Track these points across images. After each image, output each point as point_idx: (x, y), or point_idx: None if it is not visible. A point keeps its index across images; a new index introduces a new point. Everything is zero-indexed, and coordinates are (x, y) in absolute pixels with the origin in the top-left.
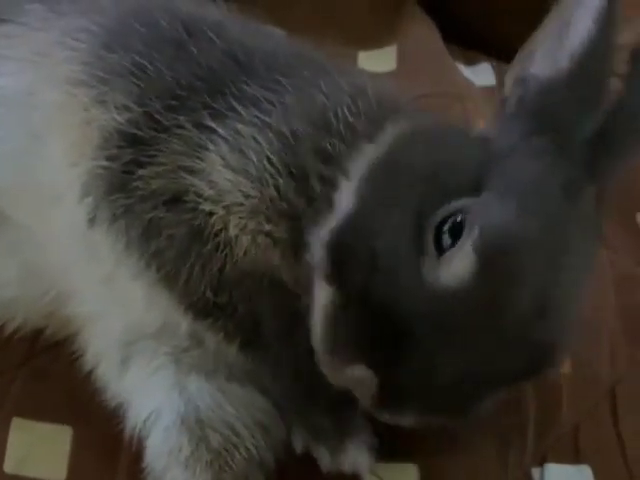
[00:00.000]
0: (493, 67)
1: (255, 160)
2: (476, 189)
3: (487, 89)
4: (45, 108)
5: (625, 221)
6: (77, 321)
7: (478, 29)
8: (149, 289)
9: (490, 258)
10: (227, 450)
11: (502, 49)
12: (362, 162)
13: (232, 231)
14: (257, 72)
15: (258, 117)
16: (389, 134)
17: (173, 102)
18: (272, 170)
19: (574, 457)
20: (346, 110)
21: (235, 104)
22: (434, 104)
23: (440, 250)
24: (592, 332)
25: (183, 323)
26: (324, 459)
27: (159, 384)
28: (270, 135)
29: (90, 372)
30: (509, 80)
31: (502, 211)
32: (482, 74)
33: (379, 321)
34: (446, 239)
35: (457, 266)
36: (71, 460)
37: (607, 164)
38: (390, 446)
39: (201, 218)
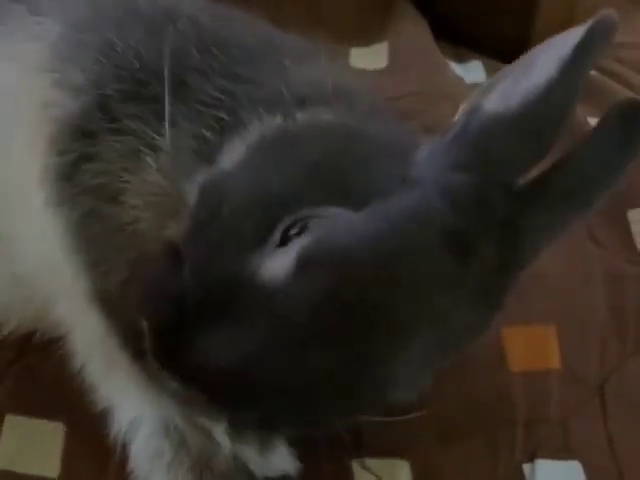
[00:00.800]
0: (484, 64)
1: (191, 169)
2: (358, 203)
3: (478, 86)
4: (12, 99)
5: (615, 218)
6: (63, 325)
7: (469, 26)
8: (76, 277)
9: (306, 270)
10: (207, 454)
11: (493, 46)
12: (260, 128)
13: (145, 224)
14: (213, 70)
15: (200, 131)
16: (307, 116)
17: (129, 87)
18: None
19: (564, 453)
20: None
21: (183, 108)
22: (425, 101)
23: (284, 242)
24: (582, 329)
25: (92, 319)
26: (253, 458)
27: (137, 391)
28: (206, 150)
29: (80, 371)
30: (462, 107)
31: (351, 233)
32: (473, 71)
33: (187, 280)
34: (293, 235)
35: (279, 263)
36: (64, 457)
37: (533, 225)
38: (382, 443)
39: (125, 210)
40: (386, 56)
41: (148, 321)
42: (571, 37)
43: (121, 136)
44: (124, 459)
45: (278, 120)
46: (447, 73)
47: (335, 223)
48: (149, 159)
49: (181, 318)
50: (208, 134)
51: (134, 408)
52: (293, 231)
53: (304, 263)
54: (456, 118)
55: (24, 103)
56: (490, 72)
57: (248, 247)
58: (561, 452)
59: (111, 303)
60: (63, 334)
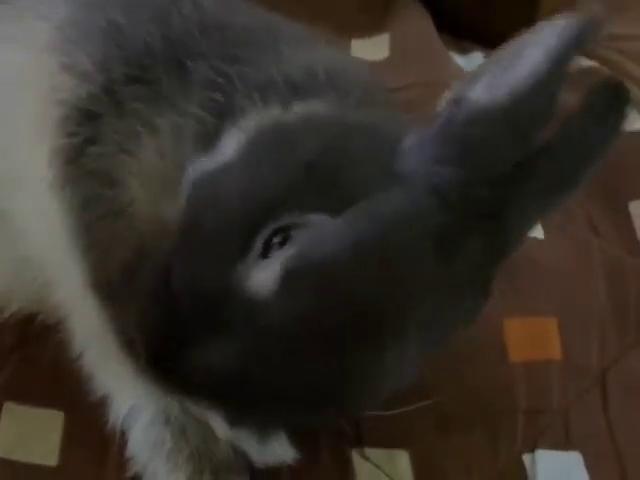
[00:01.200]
0: (485, 56)
1: (188, 151)
2: (343, 207)
3: None
4: (18, 79)
5: (617, 209)
6: (63, 308)
7: (471, 19)
8: (76, 260)
9: (293, 282)
10: (206, 443)
11: (494, 38)
12: (258, 119)
13: (138, 205)
14: (213, 52)
15: (196, 111)
16: (301, 109)
17: (133, 71)
18: (199, 151)
19: (564, 443)
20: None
21: (181, 91)
22: (426, 92)
23: (266, 252)
24: (582, 319)
25: (87, 302)
26: (252, 447)
27: (134, 379)
28: (202, 130)
29: (79, 358)
30: (446, 96)
31: (335, 241)
32: (474, 63)
33: (174, 292)
34: (276, 246)
35: (263, 276)
36: (62, 445)
37: (514, 215)
38: (382, 433)
39: (122, 192)
40: (387, 47)
41: (141, 334)
42: (558, 28)
43: (124, 118)
44: (123, 447)
45: (276, 110)
46: (449, 64)
47: (318, 232)
48: (148, 140)
49: (174, 331)
50: (206, 115)
51: (133, 396)
52: (276, 240)
53: (288, 276)
54: (440, 108)
55: (32, 84)
56: None
57: (232, 256)
58: (562, 442)
59: (109, 288)
60: (63, 319)
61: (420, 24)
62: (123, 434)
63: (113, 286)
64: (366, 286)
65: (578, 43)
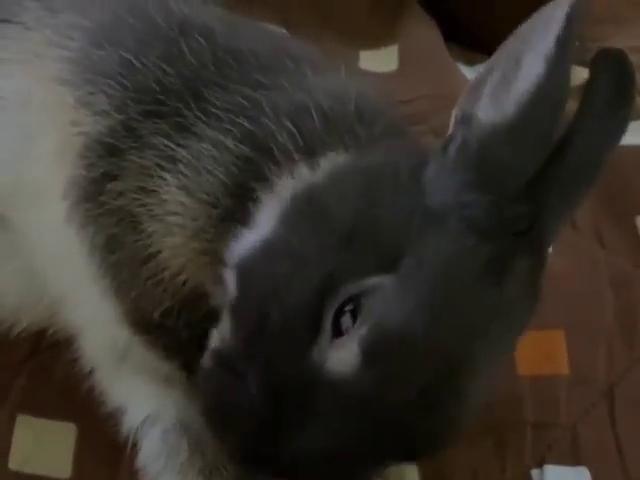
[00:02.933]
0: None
1: (210, 182)
2: (394, 261)
3: None
4: (35, 107)
5: (623, 223)
6: (72, 327)
7: (478, 29)
8: (101, 297)
9: (375, 358)
10: (220, 458)
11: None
12: (292, 185)
13: (165, 253)
14: (231, 80)
15: (219, 137)
16: (327, 164)
17: (150, 107)
18: (224, 192)
19: (572, 458)
20: (286, 136)
21: (203, 118)
22: (435, 105)
23: (338, 330)
24: (590, 333)
25: (123, 335)
26: None
27: (153, 391)
28: (226, 158)
29: (91, 372)
30: (454, 115)
31: (402, 306)
32: None
33: (256, 389)
34: (346, 320)
35: (342, 357)
36: (75, 457)
37: (550, 217)
38: None
39: (145, 239)
40: (396, 59)
41: (233, 446)
42: (550, 26)
43: (144, 153)
44: (136, 459)
45: (304, 172)
46: (457, 76)
47: (382, 299)
48: (167, 175)
49: (264, 433)
50: (229, 142)
51: (149, 406)
52: (344, 317)
53: (368, 354)
54: (450, 128)
55: (48, 114)
56: None
57: (304, 343)
58: (569, 457)
59: (143, 321)
60: (73, 335)
61: (428, 35)
62: (135, 446)
63: (151, 325)
64: (442, 338)
65: (573, 38)
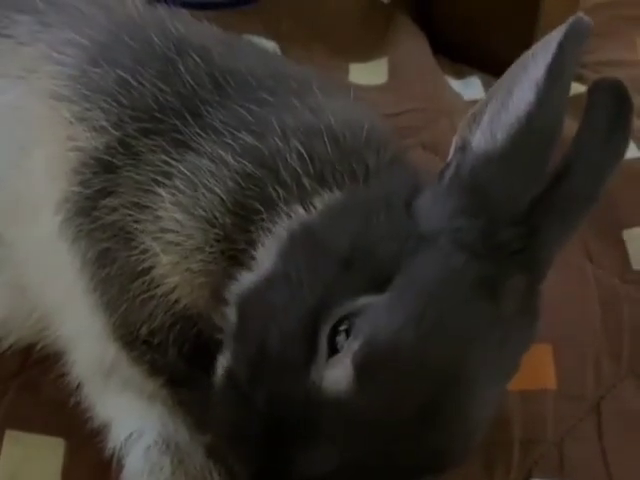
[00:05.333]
0: (481, 80)
1: (207, 198)
2: (385, 282)
3: (476, 102)
4: (30, 122)
5: (611, 237)
6: (61, 342)
7: (467, 42)
8: (90, 312)
9: (367, 373)
10: (203, 475)
11: (491, 62)
12: (288, 225)
13: (159, 270)
14: (230, 98)
15: (218, 152)
16: (322, 202)
17: (148, 125)
18: (221, 209)
19: (559, 473)
20: (295, 157)
21: (201, 133)
22: (424, 118)
23: (333, 349)
24: (577, 348)
25: (110, 351)
26: None
27: (137, 408)
28: (225, 172)
29: (79, 388)
30: (454, 143)
31: (391, 322)
32: (471, 88)
33: (261, 412)
34: (341, 339)
35: (337, 374)
36: (64, 472)
37: (547, 240)
38: None
39: (138, 255)
40: (386, 72)
41: (241, 462)
42: (541, 55)
43: (140, 169)
44: (121, 474)
45: (300, 212)
46: (446, 90)
47: (372, 316)
48: (162, 191)
49: (271, 454)
50: (228, 156)
51: (133, 423)
52: (338, 335)
53: (361, 369)
54: (450, 155)
55: (43, 128)
56: (488, 88)
57: (302, 365)
58: (556, 472)
59: (130, 336)
60: (62, 351)
61: (418, 48)
62: (119, 463)
63: (138, 341)
64: (434, 352)
65: (566, 65)
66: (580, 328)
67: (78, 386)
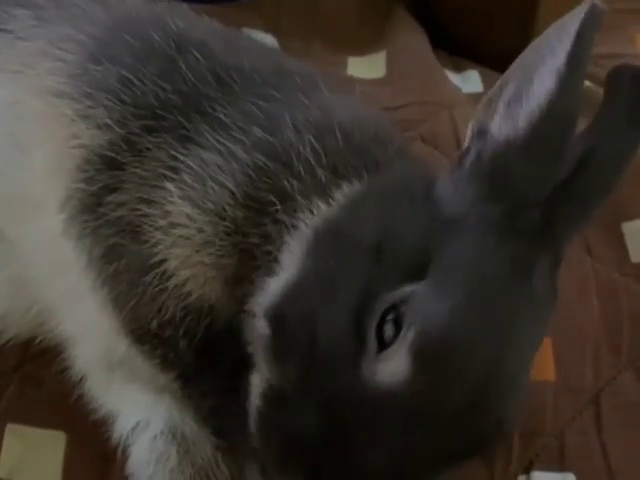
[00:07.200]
0: (480, 74)
1: (216, 192)
2: (421, 269)
3: (474, 96)
4: (30, 119)
5: (610, 230)
6: (61, 336)
7: (466, 36)
8: (98, 308)
9: (426, 362)
10: (210, 466)
11: (490, 56)
12: (311, 222)
13: (172, 263)
14: (235, 94)
15: (226, 145)
16: (343, 195)
17: (151, 122)
18: (232, 202)
19: (559, 465)
20: (309, 151)
21: (207, 128)
22: (423, 111)
23: (381, 342)
24: (576, 340)
25: (120, 346)
26: None
27: (144, 399)
28: (234, 166)
29: (81, 381)
30: (470, 128)
31: (442, 307)
32: (470, 81)
33: (316, 416)
34: (388, 330)
35: (393, 366)
36: (65, 465)
37: (567, 225)
38: None
39: (149, 249)
40: (384, 65)
41: (299, 472)
42: (558, 42)
43: (145, 165)
44: (125, 466)
45: (322, 208)
46: (445, 83)
47: (422, 306)
48: (170, 185)
49: (328, 455)
50: (238, 150)
51: (140, 413)
52: (386, 327)
53: (419, 358)
54: (466, 142)
55: (43, 126)
56: (487, 82)
57: (350, 361)
58: (556, 464)
59: (140, 330)
60: (62, 344)
61: (416, 41)
62: (125, 452)
63: (149, 335)
64: (482, 334)
65: (585, 53)
66: (579, 321)
67: (80, 380)
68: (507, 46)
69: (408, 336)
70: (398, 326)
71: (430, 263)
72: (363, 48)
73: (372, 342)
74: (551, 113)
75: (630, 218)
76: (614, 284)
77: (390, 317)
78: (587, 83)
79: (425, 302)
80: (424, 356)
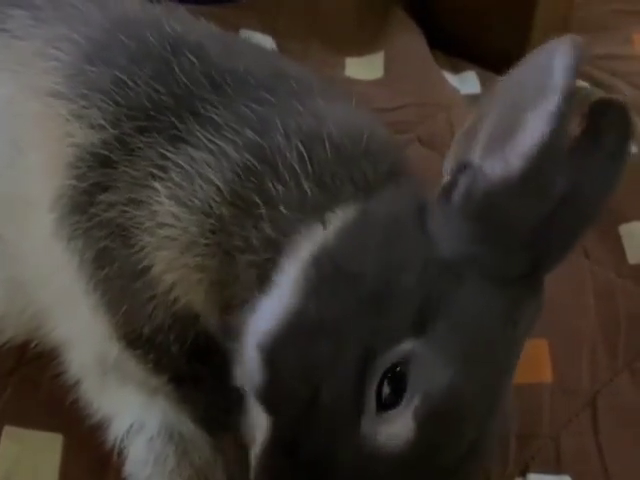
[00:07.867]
0: (478, 75)
1: (203, 189)
2: (421, 321)
3: (472, 97)
4: (25, 118)
5: (607, 233)
6: (56, 340)
7: (464, 37)
8: (91, 312)
9: (431, 424)
10: (208, 467)
11: (487, 57)
12: (307, 246)
13: (157, 268)
14: (229, 96)
15: (217, 144)
16: (338, 218)
17: (144, 123)
18: (218, 199)
19: (555, 467)
20: (295, 156)
21: (199, 128)
22: (421, 113)
23: (380, 401)
24: (573, 342)
25: (113, 350)
26: None
27: (137, 401)
28: (224, 164)
29: (76, 384)
30: (448, 162)
31: (445, 372)
32: (467, 82)
33: (312, 473)
34: (387, 389)
35: (397, 429)
36: (62, 468)
37: (551, 264)
38: None
39: (137, 253)
40: (382, 66)
41: None
42: (552, 77)
43: (137, 165)
44: (122, 468)
45: (317, 230)
46: (443, 84)
47: (425, 368)
48: (158, 185)
49: None
50: (229, 149)
51: (134, 415)
52: (386, 389)
53: (424, 424)
54: (447, 174)
55: (38, 125)
56: (484, 83)
57: (349, 417)
58: (552, 466)
59: (133, 335)
60: (58, 346)
61: (414, 42)
62: (121, 455)
63: (141, 340)
64: (483, 387)
65: (574, 87)
66: (576, 323)
67: (76, 383)
68: (505, 47)
69: (413, 402)
70: (398, 387)
71: (429, 317)
72: (361, 49)
73: (372, 401)
74: (546, 150)
75: (627, 220)
76: (611, 286)
77: (390, 375)
78: (584, 83)
79: (426, 364)
80: (429, 420)
